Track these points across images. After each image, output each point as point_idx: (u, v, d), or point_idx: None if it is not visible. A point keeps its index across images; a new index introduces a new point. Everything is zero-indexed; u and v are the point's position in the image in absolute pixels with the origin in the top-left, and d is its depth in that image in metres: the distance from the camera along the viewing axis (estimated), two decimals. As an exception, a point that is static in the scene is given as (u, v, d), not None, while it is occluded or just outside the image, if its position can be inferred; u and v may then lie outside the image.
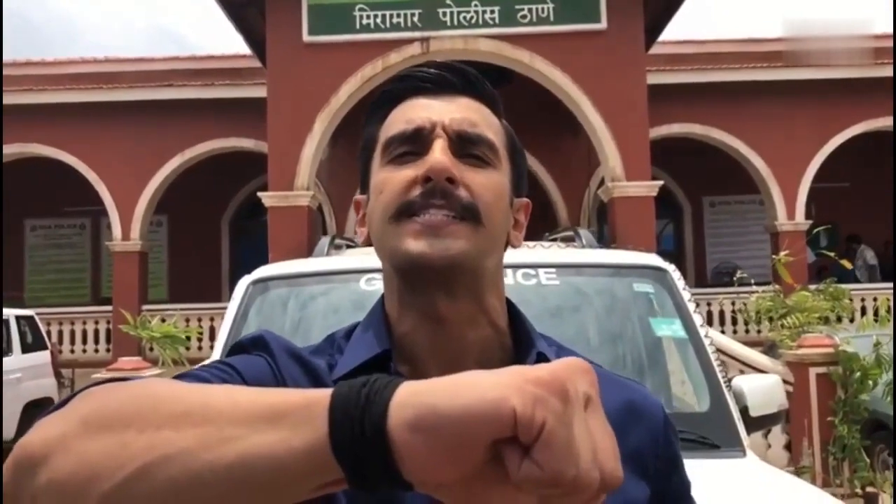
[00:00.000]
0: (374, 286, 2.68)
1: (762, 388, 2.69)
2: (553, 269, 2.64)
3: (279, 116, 10.35)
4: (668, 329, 2.66)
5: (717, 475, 2.04)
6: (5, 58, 14.20)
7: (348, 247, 3.53)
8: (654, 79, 11.79)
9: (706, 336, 2.67)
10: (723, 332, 11.49)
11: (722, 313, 12.20)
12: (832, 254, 7.13)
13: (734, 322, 12.06)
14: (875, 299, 10.92)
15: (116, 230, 12.74)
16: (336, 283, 2.73)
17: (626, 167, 10.22)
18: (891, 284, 11.93)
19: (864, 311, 11.56)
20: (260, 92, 11.38)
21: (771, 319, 6.98)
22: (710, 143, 13.18)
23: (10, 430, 9.02)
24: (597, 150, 10.63)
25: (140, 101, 12.51)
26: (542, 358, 0.80)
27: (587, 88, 10.20)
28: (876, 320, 7.29)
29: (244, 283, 2.74)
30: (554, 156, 13.38)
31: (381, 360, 0.79)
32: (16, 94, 12.69)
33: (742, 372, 6.46)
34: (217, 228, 15.50)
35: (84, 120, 12.59)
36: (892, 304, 11.75)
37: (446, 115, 0.80)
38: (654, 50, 12.01)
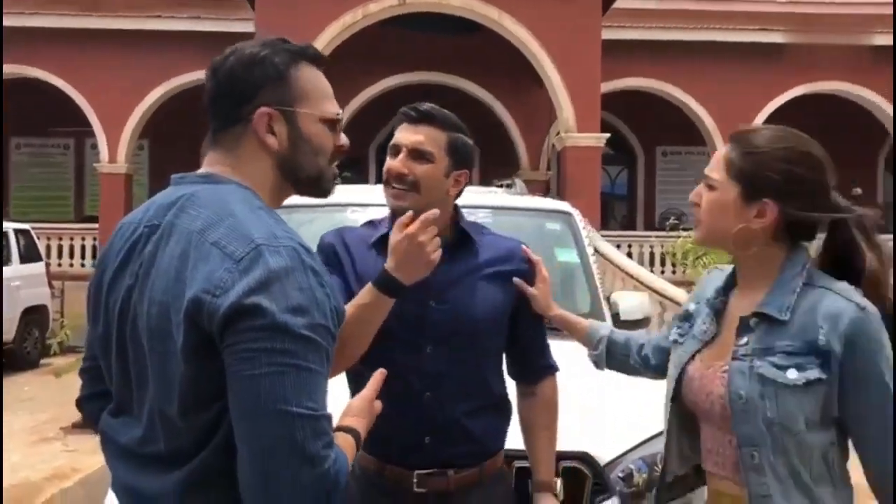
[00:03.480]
0: (356, 216, 3.69)
1: (632, 301, 3.76)
2: (488, 210, 3.64)
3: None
4: (567, 256, 3.71)
5: (583, 352, 3.09)
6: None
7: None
8: (614, 34, 12.60)
9: (594, 262, 3.73)
10: (662, 272, 12.64)
11: (663, 255, 13.20)
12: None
13: (670, 263, 13.04)
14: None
15: (103, 152, 13.41)
16: (328, 213, 3.73)
17: (578, 119, 11.14)
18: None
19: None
20: (245, 27, 12.00)
21: (692, 260, 8.04)
22: (664, 97, 14.14)
23: (9, 334, 9.91)
24: (553, 102, 11.52)
25: (129, 31, 13.03)
26: (462, 232, 1.78)
27: (547, 45, 11.02)
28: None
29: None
30: (519, 104, 14.16)
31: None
32: (6, 17, 13.17)
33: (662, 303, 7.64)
34: (197, 156, 16.10)
35: (73, 45, 13.11)
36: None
37: (408, 139, 1.76)
38: (618, 4, 12.61)
